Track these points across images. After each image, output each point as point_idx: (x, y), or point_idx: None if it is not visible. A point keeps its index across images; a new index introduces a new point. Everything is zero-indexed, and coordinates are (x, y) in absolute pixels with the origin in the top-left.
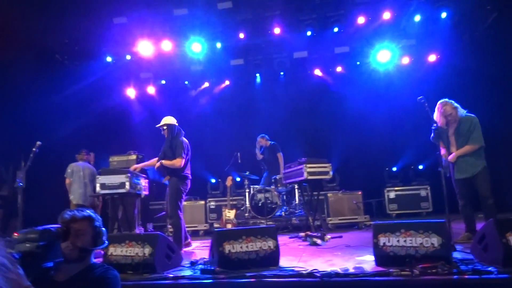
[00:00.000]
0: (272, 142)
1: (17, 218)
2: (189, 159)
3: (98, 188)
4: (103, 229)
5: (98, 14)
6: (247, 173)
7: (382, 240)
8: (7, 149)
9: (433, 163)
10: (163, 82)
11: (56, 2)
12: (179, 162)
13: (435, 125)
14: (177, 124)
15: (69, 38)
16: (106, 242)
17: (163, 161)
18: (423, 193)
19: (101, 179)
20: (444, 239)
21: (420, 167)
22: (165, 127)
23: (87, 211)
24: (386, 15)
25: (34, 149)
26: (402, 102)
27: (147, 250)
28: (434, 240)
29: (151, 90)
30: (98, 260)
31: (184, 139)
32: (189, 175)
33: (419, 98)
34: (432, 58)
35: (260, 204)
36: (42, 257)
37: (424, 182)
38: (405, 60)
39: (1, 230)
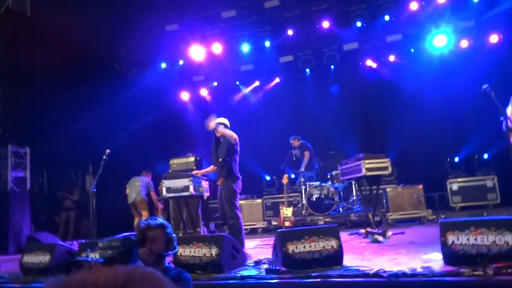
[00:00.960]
0: (303, 141)
1: (89, 220)
2: (239, 160)
3: (164, 192)
4: (174, 235)
5: (151, 23)
6: (302, 169)
7: (451, 238)
8: (76, 155)
9: (500, 151)
10: (215, 83)
11: (111, 15)
12: (234, 135)
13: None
14: (228, 125)
15: (126, 49)
16: (177, 247)
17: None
18: (489, 183)
19: (167, 183)
20: None
21: (485, 156)
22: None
23: (159, 219)
24: None
25: (104, 156)
26: (462, 88)
27: (214, 251)
28: (509, 238)
29: (204, 92)
30: (168, 260)
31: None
32: (240, 176)
33: (484, 86)
34: (494, 39)
35: (317, 201)
36: (123, 262)
37: (490, 172)
38: (464, 44)
39: (75, 231)
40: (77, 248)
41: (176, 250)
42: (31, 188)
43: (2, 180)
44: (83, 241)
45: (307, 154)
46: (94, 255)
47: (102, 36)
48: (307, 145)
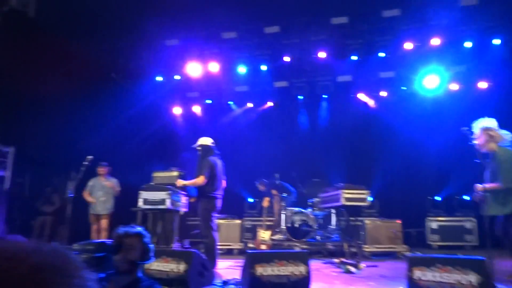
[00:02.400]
0: (274, 183)
1: (65, 226)
2: (218, 179)
3: (140, 203)
4: (151, 245)
5: (151, 35)
6: (285, 194)
7: (417, 273)
8: (61, 160)
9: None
10: (209, 101)
11: (113, 23)
12: (200, 180)
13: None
14: (212, 145)
15: (124, 58)
16: (153, 257)
17: (185, 182)
18: (468, 225)
19: (144, 194)
20: (484, 278)
21: (466, 197)
22: (199, 148)
23: (138, 228)
24: (435, 41)
25: (86, 162)
26: (449, 129)
27: (182, 267)
28: (472, 278)
29: (196, 109)
30: None
31: (216, 159)
32: (218, 195)
33: (463, 128)
34: (483, 85)
35: (296, 227)
36: (96, 267)
37: (470, 214)
38: (454, 87)
39: (50, 237)
40: None
41: (151, 260)
42: (11, 189)
43: None
44: None
45: (274, 192)
46: None
47: (101, 43)
48: (277, 187)
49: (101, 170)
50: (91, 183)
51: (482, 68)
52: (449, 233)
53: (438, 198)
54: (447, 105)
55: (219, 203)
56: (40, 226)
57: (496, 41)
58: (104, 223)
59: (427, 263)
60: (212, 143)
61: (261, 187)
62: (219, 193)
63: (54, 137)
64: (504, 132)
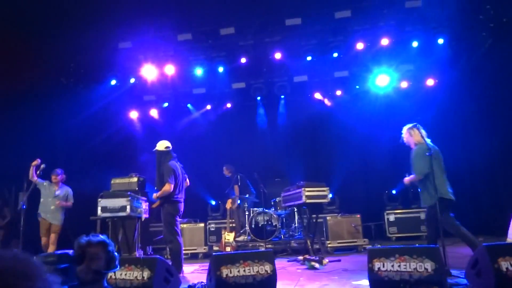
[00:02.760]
0: (236, 174)
1: (19, 240)
2: (179, 182)
3: (99, 211)
4: (116, 254)
5: (104, 38)
6: (247, 195)
7: (377, 265)
8: (11, 172)
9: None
10: (166, 104)
11: (61, 25)
12: (168, 187)
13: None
14: (169, 148)
15: (74, 62)
16: (118, 266)
17: (156, 194)
18: (423, 216)
19: (103, 202)
20: (438, 264)
21: (420, 189)
22: (157, 153)
23: (101, 236)
24: (384, 41)
25: (38, 172)
26: (401, 125)
27: (146, 274)
28: (428, 265)
29: (153, 112)
30: None
31: (175, 162)
32: (180, 199)
33: (412, 124)
34: (430, 82)
35: (259, 227)
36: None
37: (424, 205)
38: (404, 84)
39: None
40: None
41: (117, 268)
42: None
43: None
44: None
45: (236, 188)
46: None
47: (50, 46)
48: (237, 178)
49: (54, 177)
50: (44, 184)
51: (429, 66)
52: (406, 225)
53: (394, 192)
54: (398, 102)
55: (181, 206)
56: None
57: (440, 41)
58: (53, 236)
59: (386, 254)
60: (167, 147)
61: (227, 172)
62: (181, 197)
63: (1, 146)
64: (423, 132)
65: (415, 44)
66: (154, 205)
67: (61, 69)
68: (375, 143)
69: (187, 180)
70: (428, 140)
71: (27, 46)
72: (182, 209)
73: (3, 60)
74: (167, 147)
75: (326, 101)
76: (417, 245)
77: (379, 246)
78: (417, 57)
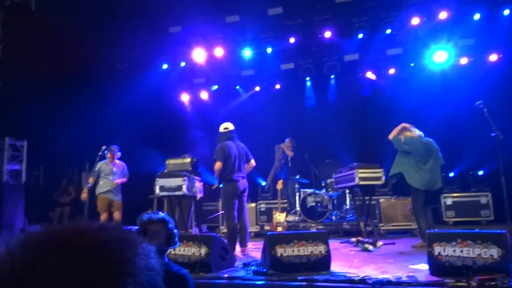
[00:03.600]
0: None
1: (83, 217)
2: (233, 162)
3: (157, 190)
4: (175, 231)
5: (155, 24)
6: (298, 176)
7: (437, 249)
8: (73, 152)
9: (494, 168)
10: (215, 87)
11: (115, 14)
12: (215, 166)
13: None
14: (227, 129)
15: (128, 48)
16: (178, 242)
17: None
18: (483, 200)
19: (160, 181)
20: (505, 251)
21: (480, 172)
22: None
23: (162, 213)
24: (443, 15)
25: (100, 153)
26: (461, 104)
27: (203, 250)
28: (494, 252)
29: (204, 95)
30: None
31: (230, 143)
32: (236, 177)
33: (477, 103)
34: (493, 57)
35: (310, 208)
36: None
37: (485, 189)
38: (464, 61)
39: None
40: None
41: (177, 245)
42: (27, 182)
43: None
44: None
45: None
46: None
47: (105, 34)
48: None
49: (110, 154)
50: (98, 168)
51: (492, 40)
52: (464, 209)
53: (451, 174)
54: (456, 79)
55: (238, 186)
56: (59, 217)
57: (506, 12)
58: (117, 214)
59: (447, 239)
60: (225, 128)
61: (289, 145)
62: (236, 176)
63: (65, 129)
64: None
65: (476, 16)
66: (214, 187)
67: (116, 55)
68: (430, 124)
69: (252, 161)
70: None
71: (85, 34)
72: (240, 188)
73: (63, 47)
74: (225, 128)
75: (378, 80)
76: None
77: (436, 230)
78: (479, 30)
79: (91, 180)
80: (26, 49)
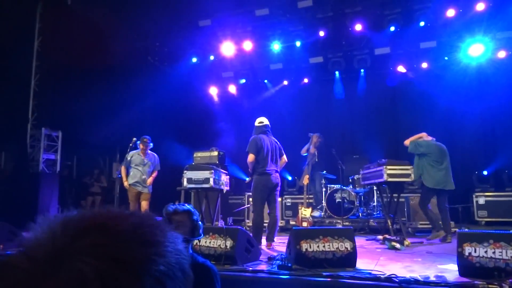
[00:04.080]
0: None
1: (113, 205)
2: (266, 155)
3: (185, 183)
4: (200, 222)
5: (185, 17)
6: (324, 172)
7: (468, 249)
8: (105, 143)
9: None
10: (244, 80)
11: (147, 8)
12: (248, 158)
13: None
14: (262, 123)
15: (159, 41)
16: (202, 234)
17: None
18: None
19: (188, 174)
20: None
21: None
22: None
23: (187, 205)
24: (480, 6)
25: (131, 144)
26: (496, 100)
27: (229, 243)
28: None
29: (232, 88)
30: None
31: (263, 136)
32: (268, 171)
33: None
34: None
35: (337, 204)
36: None
37: None
38: (501, 54)
39: None
40: None
41: (201, 236)
42: (61, 171)
43: (34, 161)
44: None
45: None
46: None
47: (137, 28)
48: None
49: (143, 145)
50: (130, 157)
51: None
52: (498, 209)
53: (485, 173)
54: (493, 74)
55: (270, 179)
56: (91, 206)
57: None
58: (144, 204)
59: (479, 239)
60: (260, 122)
61: (317, 139)
62: (268, 169)
63: (97, 120)
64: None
65: None
66: (247, 180)
67: (148, 48)
68: (463, 120)
69: (284, 157)
70: None
71: (118, 27)
72: (273, 182)
73: (97, 41)
74: (260, 122)
75: (410, 74)
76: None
77: (467, 230)
78: None
79: (122, 170)
80: (62, 42)
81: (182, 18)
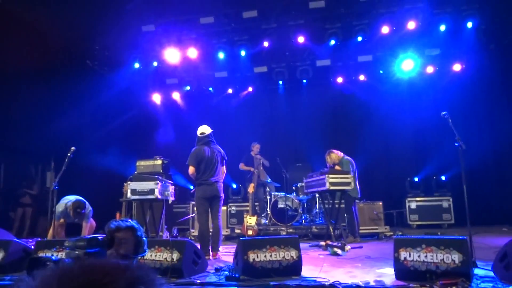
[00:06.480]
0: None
1: (46, 218)
2: (205, 166)
3: (128, 194)
4: (144, 238)
5: (127, 21)
6: (269, 180)
7: (403, 254)
8: (38, 151)
9: (456, 173)
10: (188, 88)
11: (87, 9)
12: (189, 170)
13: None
14: (203, 134)
15: (99, 45)
16: (147, 250)
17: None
18: (445, 204)
19: (132, 185)
20: (465, 256)
21: (443, 177)
22: None
23: (131, 221)
24: (411, 25)
25: (69, 154)
26: (426, 111)
27: (175, 256)
28: (455, 257)
29: (176, 95)
30: None
31: (202, 147)
32: (207, 181)
33: (442, 113)
34: (457, 67)
35: (281, 211)
36: None
37: (446, 193)
38: (430, 69)
39: (31, 228)
40: (33, 247)
41: (145, 253)
42: None
43: None
44: (39, 239)
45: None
46: (56, 254)
47: (75, 30)
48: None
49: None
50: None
51: (456, 51)
52: (427, 213)
53: (416, 179)
54: (423, 87)
55: (209, 189)
56: (21, 218)
57: (469, 24)
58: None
59: (413, 244)
60: (201, 133)
61: (256, 149)
62: (207, 180)
63: (29, 127)
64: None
65: (442, 27)
66: (192, 189)
67: (86, 51)
68: (397, 130)
69: (223, 168)
70: None
71: (54, 28)
72: (212, 192)
73: (31, 42)
74: (201, 133)
75: (349, 86)
76: (439, 233)
77: (400, 233)
78: (444, 41)
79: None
80: None
81: (124, 22)
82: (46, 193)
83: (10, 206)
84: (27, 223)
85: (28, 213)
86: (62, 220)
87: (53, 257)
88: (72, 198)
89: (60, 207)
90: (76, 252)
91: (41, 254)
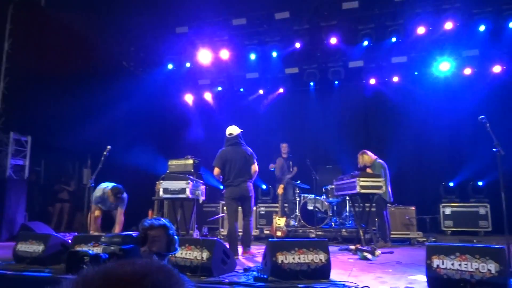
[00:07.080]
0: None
1: (83, 214)
2: (231, 168)
3: (160, 192)
4: (176, 237)
5: (161, 23)
6: (298, 181)
7: (436, 262)
8: (75, 148)
9: (494, 179)
10: (220, 88)
11: (123, 12)
12: (214, 172)
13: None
14: (231, 135)
15: (135, 46)
16: (178, 248)
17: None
18: (482, 211)
19: (164, 184)
20: (502, 266)
21: (480, 183)
22: None
23: (163, 219)
24: (448, 25)
25: (105, 152)
26: (463, 114)
27: (205, 255)
28: (491, 266)
29: (207, 96)
30: None
31: (229, 148)
32: (234, 182)
33: (480, 117)
34: (497, 69)
35: (310, 213)
36: (123, 258)
37: (484, 200)
38: (467, 71)
39: (69, 223)
40: (70, 241)
41: (176, 251)
42: (29, 177)
43: (1, 167)
44: (76, 234)
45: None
46: (93, 249)
47: (112, 32)
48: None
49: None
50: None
51: (496, 52)
52: (463, 219)
53: (451, 184)
54: (460, 89)
55: (236, 190)
56: (59, 213)
57: (511, 24)
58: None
59: (446, 252)
60: (229, 134)
61: (285, 149)
62: (233, 181)
63: (69, 125)
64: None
65: (482, 28)
66: (223, 189)
67: (123, 53)
68: (431, 132)
69: (254, 166)
70: None
71: (92, 31)
72: (240, 193)
73: (71, 44)
74: (229, 134)
75: (382, 87)
76: (475, 241)
77: (434, 240)
78: (484, 42)
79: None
80: (34, 45)
81: (159, 24)
82: (82, 189)
83: (49, 201)
84: (65, 218)
85: (66, 209)
86: (98, 212)
87: (90, 252)
88: (109, 184)
89: (98, 192)
90: (112, 248)
91: (78, 248)
